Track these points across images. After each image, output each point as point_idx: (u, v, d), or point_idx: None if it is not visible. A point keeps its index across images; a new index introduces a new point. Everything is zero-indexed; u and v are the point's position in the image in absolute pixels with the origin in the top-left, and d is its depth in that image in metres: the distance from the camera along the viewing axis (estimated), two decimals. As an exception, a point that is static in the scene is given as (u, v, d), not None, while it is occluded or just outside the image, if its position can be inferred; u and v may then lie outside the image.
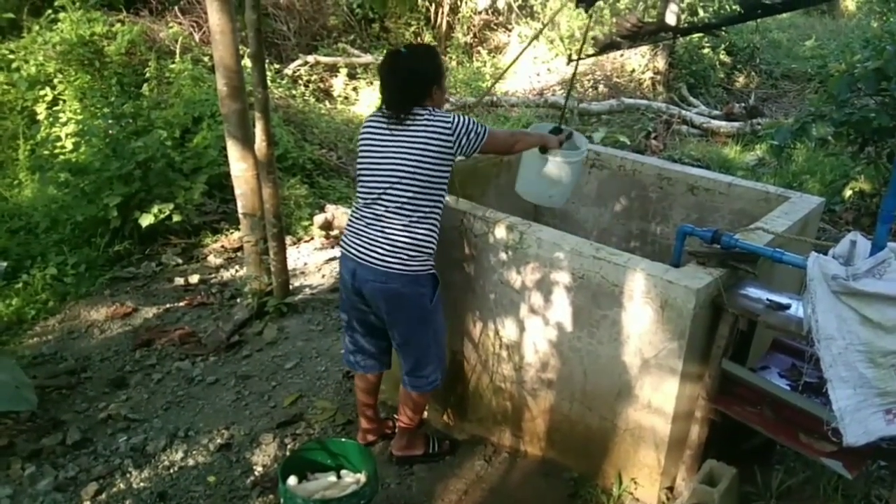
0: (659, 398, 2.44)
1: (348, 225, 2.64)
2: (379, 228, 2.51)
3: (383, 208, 2.50)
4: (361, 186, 2.57)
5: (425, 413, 3.18)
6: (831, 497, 2.59)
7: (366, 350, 2.82)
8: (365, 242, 2.53)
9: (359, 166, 2.59)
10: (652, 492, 2.60)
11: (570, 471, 2.80)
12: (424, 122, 2.49)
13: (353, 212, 2.64)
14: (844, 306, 2.06)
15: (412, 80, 2.51)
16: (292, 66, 8.85)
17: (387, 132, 2.52)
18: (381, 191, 2.50)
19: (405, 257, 2.49)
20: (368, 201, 2.54)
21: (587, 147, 3.03)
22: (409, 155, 2.46)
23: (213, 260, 4.99)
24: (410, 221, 2.49)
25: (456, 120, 2.50)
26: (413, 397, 2.79)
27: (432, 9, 10.63)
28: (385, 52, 2.81)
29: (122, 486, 2.87)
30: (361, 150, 2.59)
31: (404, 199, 2.48)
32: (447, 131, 2.48)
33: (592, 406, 2.65)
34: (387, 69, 2.56)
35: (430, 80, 2.54)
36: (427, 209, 2.51)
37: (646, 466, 2.58)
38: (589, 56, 2.97)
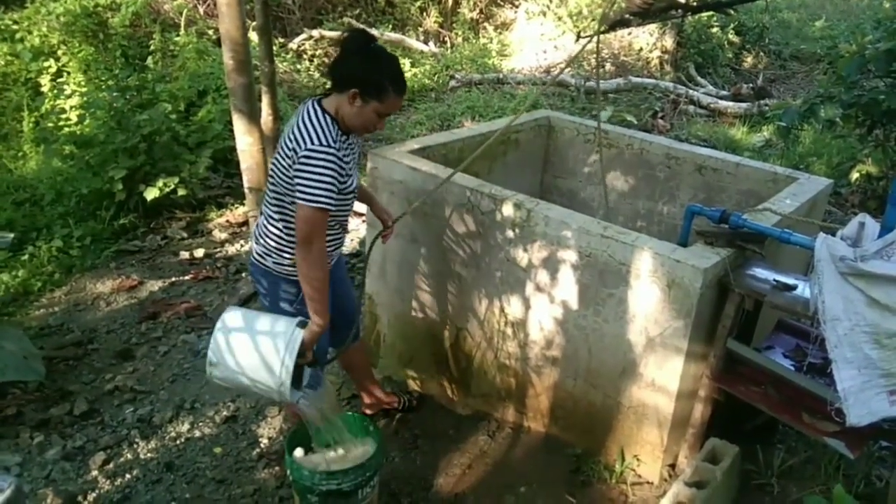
0: (663, 377, 2.45)
1: None
2: (261, 215, 2.43)
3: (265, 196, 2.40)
4: None
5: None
6: (832, 476, 2.61)
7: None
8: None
9: None
10: (654, 469, 2.62)
11: (572, 447, 2.82)
12: (297, 127, 2.19)
13: None
14: (851, 287, 2.06)
15: (341, 63, 2.23)
16: (297, 40, 8.78)
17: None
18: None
19: (259, 250, 2.41)
20: None
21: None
22: (278, 153, 2.28)
23: (219, 234, 4.99)
24: (269, 220, 2.36)
25: (302, 158, 2.12)
26: None
27: (439, -17, 10.51)
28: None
29: (129, 456, 2.90)
30: None
31: (269, 196, 2.34)
32: (290, 155, 2.17)
33: (596, 384, 2.67)
34: (342, 42, 2.27)
35: (355, 81, 2.17)
36: (286, 217, 2.30)
37: (648, 444, 2.60)
38: (598, 33, 2.94)
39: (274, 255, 2.37)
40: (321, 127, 2.18)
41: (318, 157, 2.12)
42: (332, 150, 2.14)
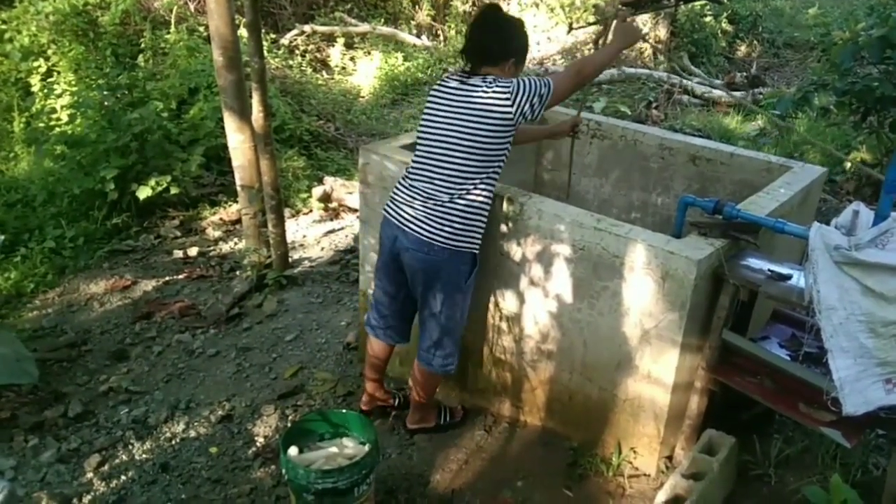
0: (659, 369, 2.45)
1: (395, 189, 2.60)
2: (427, 197, 2.47)
3: (435, 177, 2.46)
4: (417, 151, 2.54)
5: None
6: (829, 466, 2.61)
7: (389, 318, 2.80)
8: (411, 210, 2.50)
9: (418, 129, 2.57)
10: (651, 461, 2.62)
11: (569, 440, 2.82)
12: (483, 91, 2.40)
13: (404, 177, 2.59)
14: (846, 276, 2.05)
15: (497, 36, 2.48)
16: (288, 35, 8.73)
17: (448, 97, 2.47)
18: (434, 159, 2.47)
19: (450, 230, 2.45)
20: (421, 168, 2.50)
21: None
22: (465, 125, 2.40)
23: (212, 232, 4.97)
24: (461, 194, 2.44)
25: (516, 87, 2.37)
26: (426, 374, 2.75)
27: (431, -24, 10.46)
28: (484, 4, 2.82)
29: (124, 457, 2.88)
30: (423, 113, 2.56)
31: (457, 171, 2.44)
32: (506, 100, 2.37)
33: (592, 377, 2.66)
34: (479, 20, 2.55)
35: (512, 49, 2.50)
36: (480, 184, 2.45)
37: (645, 436, 2.59)
38: (590, 24, 2.92)
39: (463, 231, 2.47)
40: (493, 79, 2.42)
41: (516, 80, 2.40)
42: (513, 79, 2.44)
